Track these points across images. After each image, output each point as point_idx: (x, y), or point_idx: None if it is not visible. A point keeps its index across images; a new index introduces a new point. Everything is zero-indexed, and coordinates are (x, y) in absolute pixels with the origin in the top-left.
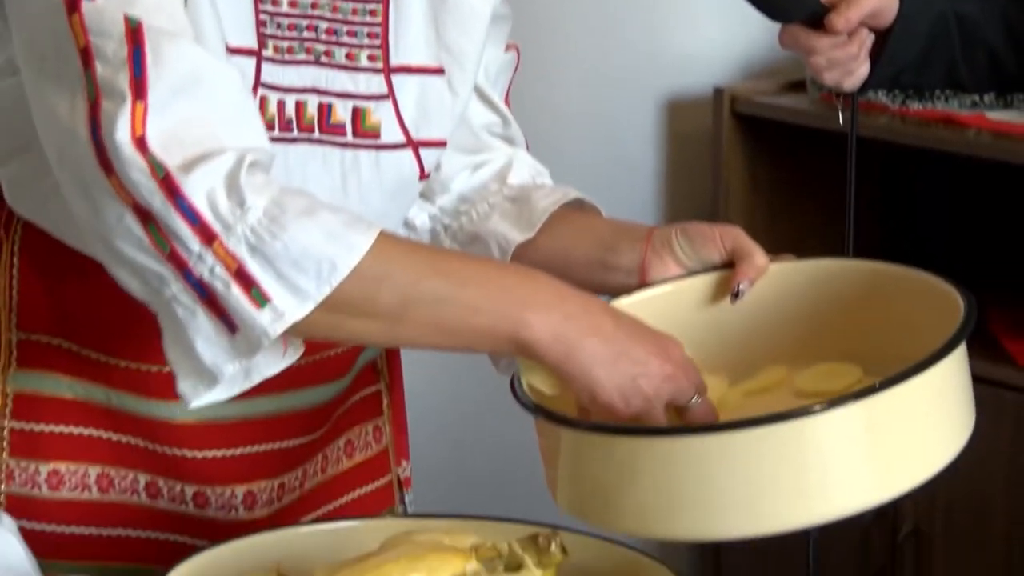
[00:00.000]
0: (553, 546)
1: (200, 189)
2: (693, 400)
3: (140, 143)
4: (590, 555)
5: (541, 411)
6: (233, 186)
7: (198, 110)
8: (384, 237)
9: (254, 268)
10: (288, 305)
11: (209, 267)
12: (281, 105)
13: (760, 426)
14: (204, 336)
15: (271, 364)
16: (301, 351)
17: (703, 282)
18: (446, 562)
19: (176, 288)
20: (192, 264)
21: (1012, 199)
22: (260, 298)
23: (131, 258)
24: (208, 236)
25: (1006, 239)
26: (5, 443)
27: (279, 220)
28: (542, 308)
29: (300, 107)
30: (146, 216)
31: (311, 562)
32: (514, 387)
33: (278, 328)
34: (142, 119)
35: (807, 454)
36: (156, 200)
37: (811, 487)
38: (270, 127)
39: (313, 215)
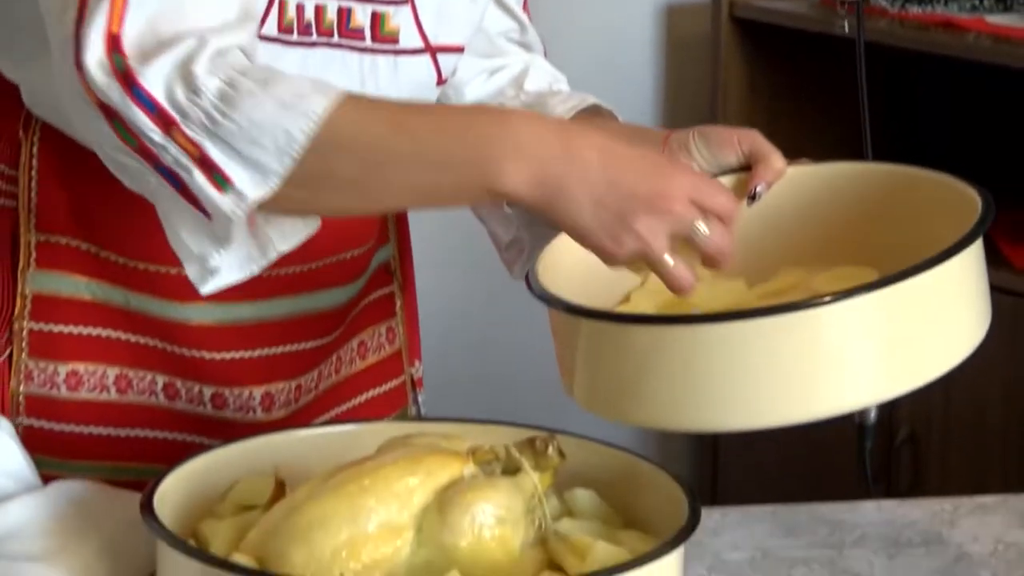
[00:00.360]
0: (550, 450)
1: (158, 78)
2: (700, 231)
3: (112, 40)
4: (588, 459)
5: (556, 301)
6: (187, 71)
7: (179, 2)
8: (345, 100)
9: (214, 152)
10: (248, 185)
11: (173, 156)
12: (300, 9)
13: (773, 315)
14: (186, 225)
15: (285, 239)
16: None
17: None
18: (444, 465)
19: (155, 181)
20: (159, 155)
21: (1012, 103)
22: (222, 181)
23: (112, 156)
24: (167, 124)
25: (1006, 144)
26: (24, 343)
27: (231, 99)
28: (516, 155)
29: (319, 11)
30: (110, 113)
31: (310, 465)
32: (528, 280)
33: (240, 211)
34: (120, 15)
35: (820, 345)
36: (115, 95)
37: (824, 379)
38: (288, 31)
39: (267, 87)
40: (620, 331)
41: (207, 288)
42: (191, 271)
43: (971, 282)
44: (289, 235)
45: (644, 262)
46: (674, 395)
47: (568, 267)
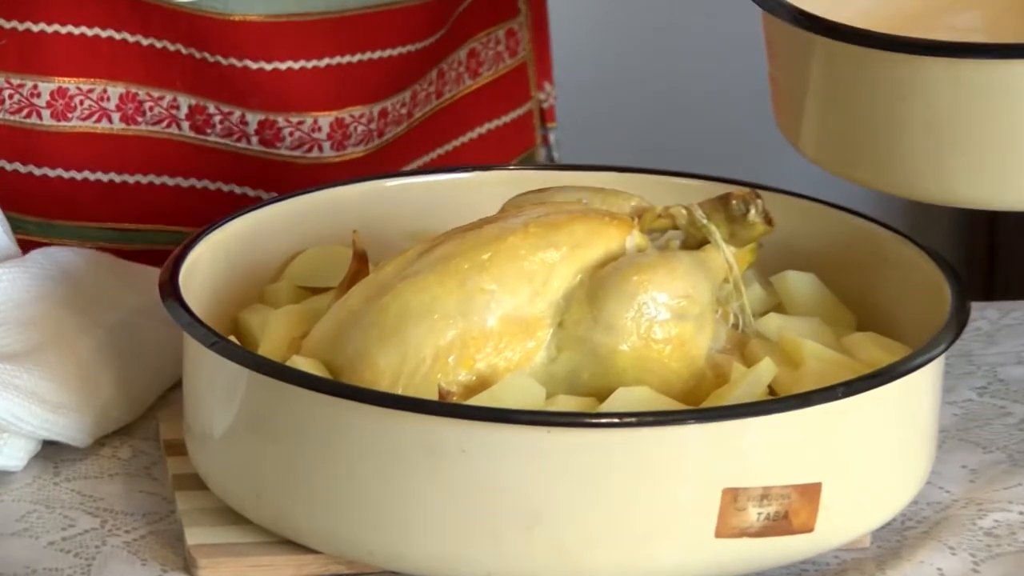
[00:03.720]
0: (752, 212)
1: None
2: None
3: None
4: (807, 229)
5: (782, 6)
6: None
7: None
8: None
9: None
10: None
11: None
12: None
13: None
14: None
15: None
16: None
17: None
18: (596, 233)
19: None
20: None
21: None
22: None
23: None
24: None
25: None
26: None
27: None
28: None
29: None
30: None
31: (402, 230)
32: None
33: None
34: None
35: None
36: None
37: None
38: None
39: None
40: (863, 56)
41: None
42: None
43: None
44: None
45: None
46: (927, 155)
47: None
